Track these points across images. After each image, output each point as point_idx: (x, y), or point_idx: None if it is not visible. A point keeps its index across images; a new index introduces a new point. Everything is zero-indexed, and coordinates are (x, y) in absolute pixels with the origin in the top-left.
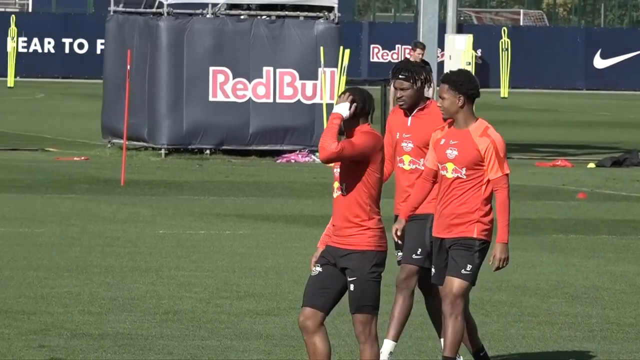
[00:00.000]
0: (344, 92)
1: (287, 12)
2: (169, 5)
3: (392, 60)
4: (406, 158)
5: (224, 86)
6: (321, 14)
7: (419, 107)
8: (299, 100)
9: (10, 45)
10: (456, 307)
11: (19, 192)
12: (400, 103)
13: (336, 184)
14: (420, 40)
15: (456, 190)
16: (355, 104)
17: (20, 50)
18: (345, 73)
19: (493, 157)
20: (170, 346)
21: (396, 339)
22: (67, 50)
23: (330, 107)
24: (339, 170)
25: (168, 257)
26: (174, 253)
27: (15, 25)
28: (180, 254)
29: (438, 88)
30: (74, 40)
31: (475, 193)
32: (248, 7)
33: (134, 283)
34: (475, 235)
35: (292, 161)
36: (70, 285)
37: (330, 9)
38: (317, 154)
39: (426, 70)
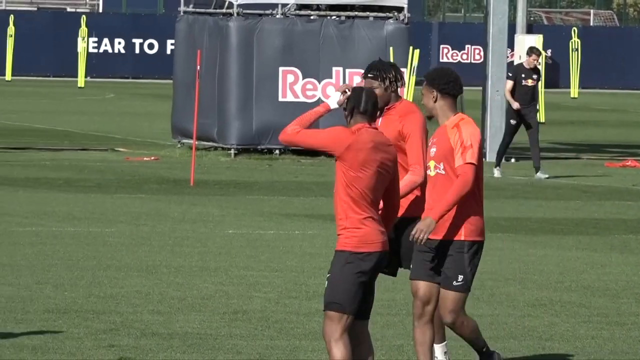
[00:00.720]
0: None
1: (356, 13)
2: (239, 5)
3: (462, 61)
4: None
5: (294, 86)
6: (391, 14)
7: (388, 106)
8: None
9: (81, 45)
10: (458, 318)
11: (89, 192)
12: None
13: None
14: (535, 46)
15: (438, 188)
16: (347, 93)
17: (91, 50)
18: (414, 73)
19: (458, 145)
20: (239, 346)
21: (443, 340)
22: (137, 51)
23: None
24: None
25: (237, 257)
26: (243, 253)
27: (86, 26)
28: (250, 253)
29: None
30: (144, 41)
31: None
32: (318, 7)
33: (203, 283)
34: (463, 238)
35: None
36: (140, 285)
37: (399, 9)
38: None
39: (396, 69)
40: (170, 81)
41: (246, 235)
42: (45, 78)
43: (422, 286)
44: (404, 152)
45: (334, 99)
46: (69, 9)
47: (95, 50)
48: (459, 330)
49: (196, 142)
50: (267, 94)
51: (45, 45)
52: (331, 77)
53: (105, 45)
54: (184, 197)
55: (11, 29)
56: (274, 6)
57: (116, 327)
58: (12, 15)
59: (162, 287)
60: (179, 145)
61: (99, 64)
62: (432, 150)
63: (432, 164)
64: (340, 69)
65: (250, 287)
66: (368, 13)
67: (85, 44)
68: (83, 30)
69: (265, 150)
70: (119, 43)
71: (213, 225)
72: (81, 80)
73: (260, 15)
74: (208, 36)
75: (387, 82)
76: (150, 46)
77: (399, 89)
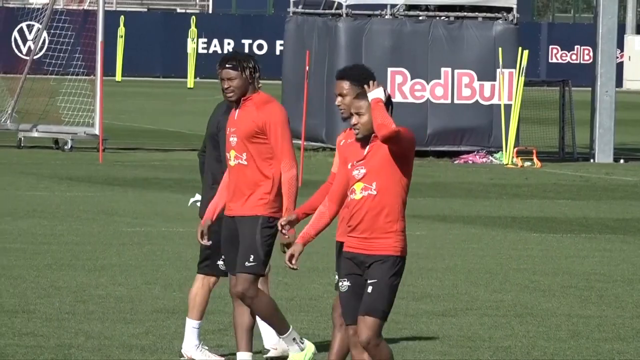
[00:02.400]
0: (371, 82)
1: (465, 13)
2: (348, 6)
3: (571, 62)
4: (232, 153)
5: (402, 87)
6: (500, 15)
7: (245, 98)
8: (477, 101)
9: (190, 46)
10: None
11: (199, 192)
12: (229, 95)
13: (358, 185)
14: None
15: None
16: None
17: (200, 51)
18: (523, 74)
19: None
20: None
21: (250, 348)
22: (246, 51)
23: (507, 107)
24: (363, 171)
25: None
26: None
27: (196, 27)
28: None
29: None
30: (253, 41)
31: None
32: (426, 8)
33: (311, 283)
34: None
35: (470, 162)
36: None
37: (509, 9)
38: (495, 155)
39: (254, 60)
40: (279, 82)
41: None
42: (155, 79)
43: None
44: (261, 144)
45: (380, 92)
46: (178, 10)
47: (205, 51)
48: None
49: (304, 143)
50: None
51: (155, 46)
52: (439, 78)
53: (215, 46)
54: (301, 198)
55: (121, 30)
56: (382, 7)
57: (224, 328)
58: (122, 16)
59: (271, 287)
60: None
61: (208, 65)
62: None
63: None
64: (449, 69)
65: None
66: (477, 13)
67: (194, 45)
68: (193, 31)
69: None
70: (228, 44)
71: None
72: (190, 81)
73: (369, 15)
74: (317, 37)
75: (247, 72)
76: (260, 47)
77: (257, 79)
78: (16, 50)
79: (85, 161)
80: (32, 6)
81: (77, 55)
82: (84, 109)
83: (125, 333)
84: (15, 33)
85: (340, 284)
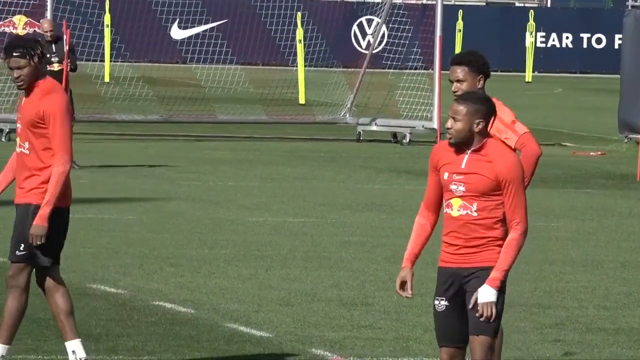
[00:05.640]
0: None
1: None
2: None
3: None
4: (17, 140)
5: None
6: None
7: (35, 84)
8: None
9: (529, 40)
10: None
11: (534, 186)
12: (19, 83)
13: (456, 202)
14: None
15: None
16: None
17: (539, 45)
18: None
19: None
20: None
21: (8, 342)
22: (584, 45)
23: None
24: (462, 188)
25: None
26: None
27: (534, 20)
28: None
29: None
30: (591, 35)
31: None
32: None
33: None
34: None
35: None
36: (585, 280)
37: None
38: None
39: (41, 45)
40: (618, 76)
41: None
42: (493, 72)
43: None
44: (42, 136)
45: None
46: (517, 4)
47: (543, 45)
48: None
49: None
50: None
51: (493, 39)
52: None
53: (553, 40)
54: (631, 192)
55: (460, 24)
56: None
57: (561, 322)
58: (460, 10)
59: (608, 282)
60: (625, 141)
61: (546, 59)
62: None
63: None
64: None
65: None
66: None
67: (532, 39)
68: (531, 24)
69: None
70: (567, 37)
71: None
72: (528, 74)
73: None
74: None
75: (36, 59)
76: (598, 41)
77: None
78: (356, 45)
79: (423, 155)
80: (372, 1)
81: (415, 49)
82: (422, 102)
83: None
84: (354, 27)
85: (436, 302)
